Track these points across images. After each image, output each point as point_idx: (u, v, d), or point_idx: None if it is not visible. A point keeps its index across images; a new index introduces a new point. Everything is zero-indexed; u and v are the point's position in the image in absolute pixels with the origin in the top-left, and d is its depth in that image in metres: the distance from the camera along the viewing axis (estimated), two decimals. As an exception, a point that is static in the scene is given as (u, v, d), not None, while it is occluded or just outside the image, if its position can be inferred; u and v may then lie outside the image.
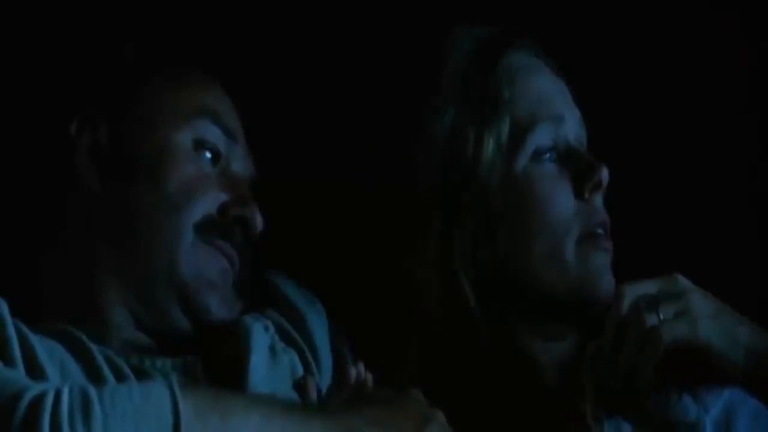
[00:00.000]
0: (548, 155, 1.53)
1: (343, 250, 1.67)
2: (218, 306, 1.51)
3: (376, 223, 1.58)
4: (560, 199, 1.52)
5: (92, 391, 1.17)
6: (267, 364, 1.47)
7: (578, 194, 1.53)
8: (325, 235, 1.71)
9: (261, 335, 1.49)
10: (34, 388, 1.17)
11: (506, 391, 1.50)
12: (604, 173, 1.53)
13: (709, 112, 1.82)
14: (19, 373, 1.28)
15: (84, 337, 1.40)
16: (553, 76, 1.58)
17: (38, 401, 1.16)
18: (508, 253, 1.52)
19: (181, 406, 1.18)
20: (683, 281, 1.47)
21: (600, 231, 1.53)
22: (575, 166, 1.54)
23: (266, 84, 1.77)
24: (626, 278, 1.50)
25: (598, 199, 1.54)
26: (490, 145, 1.52)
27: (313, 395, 1.39)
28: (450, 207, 1.52)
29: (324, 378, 1.54)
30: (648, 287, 1.46)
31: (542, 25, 1.67)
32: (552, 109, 1.55)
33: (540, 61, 1.59)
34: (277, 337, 1.53)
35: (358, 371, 1.40)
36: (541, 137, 1.53)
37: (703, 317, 1.44)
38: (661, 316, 1.44)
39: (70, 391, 1.17)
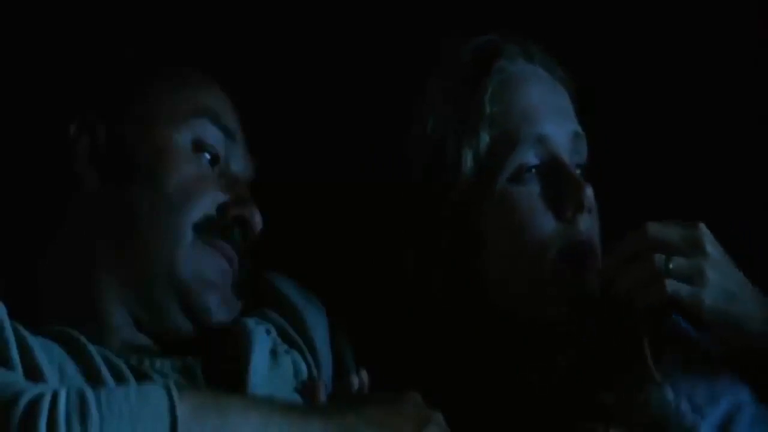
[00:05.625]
0: (529, 174, 1.50)
1: (342, 248, 1.68)
2: (218, 306, 1.51)
3: (373, 222, 1.59)
4: (538, 221, 1.49)
5: (89, 394, 1.18)
6: (268, 365, 1.47)
7: (559, 215, 1.49)
8: (324, 234, 1.71)
9: (262, 337, 1.49)
10: (31, 391, 1.18)
11: (502, 393, 1.50)
12: (588, 193, 1.49)
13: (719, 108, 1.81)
14: (16, 375, 1.28)
15: (83, 338, 1.40)
16: (548, 84, 1.55)
17: (35, 403, 1.16)
18: (484, 270, 1.51)
19: (179, 407, 1.19)
20: (707, 237, 1.41)
21: (582, 252, 1.48)
22: (558, 185, 1.50)
23: (266, 84, 1.77)
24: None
25: (583, 220, 1.50)
26: (468, 160, 1.50)
27: (322, 397, 1.41)
28: (430, 214, 1.52)
29: (324, 378, 1.53)
30: (671, 233, 1.41)
31: (551, 17, 1.67)
32: (536, 127, 1.51)
33: (536, 66, 1.56)
34: (279, 340, 1.52)
35: (361, 380, 1.41)
36: (522, 157, 1.50)
37: (714, 290, 1.40)
38: (671, 266, 1.39)
39: (67, 394, 1.17)
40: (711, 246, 1.41)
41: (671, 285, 1.39)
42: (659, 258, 1.40)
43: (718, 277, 1.40)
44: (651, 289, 1.40)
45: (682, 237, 1.41)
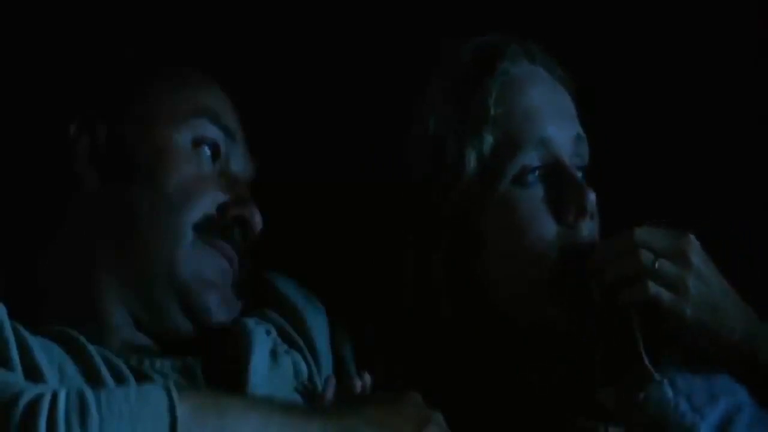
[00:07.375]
0: (532, 176, 1.50)
1: (342, 249, 1.68)
2: (218, 306, 1.51)
3: (373, 222, 1.59)
4: (540, 224, 1.48)
5: (89, 394, 1.18)
6: (268, 366, 1.47)
7: (561, 219, 1.49)
8: (324, 234, 1.71)
9: (262, 337, 1.49)
10: (31, 391, 1.18)
11: (502, 393, 1.50)
12: (590, 199, 1.49)
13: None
14: (16, 376, 1.28)
15: (82, 339, 1.40)
16: (549, 85, 1.55)
17: (35, 404, 1.16)
18: (484, 271, 1.51)
19: (178, 408, 1.18)
20: (693, 247, 1.43)
21: (582, 254, 1.47)
22: (561, 189, 1.50)
23: (266, 84, 1.77)
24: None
25: (585, 225, 1.49)
26: (472, 161, 1.50)
27: (330, 395, 1.41)
28: (430, 214, 1.52)
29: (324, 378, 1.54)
30: (658, 239, 1.42)
31: (551, 17, 1.66)
32: (538, 129, 1.51)
33: (538, 67, 1.55)
34: (279, 340, 1.52)
35: (363, 382, 1.41)
36: (525, 159, 1.49)
37: (696, 302, 1.41)
38: (657, 266, 1.41)
39: (67, 394, 1.17)
40: (696, 256, 1.42)
41: (654, 287, 1.40)
42: (646, 256, 1.41)
43: (700, 289, 1.42)
44: (635, 286, 1.41)
45: (668, 245, 1.42)
